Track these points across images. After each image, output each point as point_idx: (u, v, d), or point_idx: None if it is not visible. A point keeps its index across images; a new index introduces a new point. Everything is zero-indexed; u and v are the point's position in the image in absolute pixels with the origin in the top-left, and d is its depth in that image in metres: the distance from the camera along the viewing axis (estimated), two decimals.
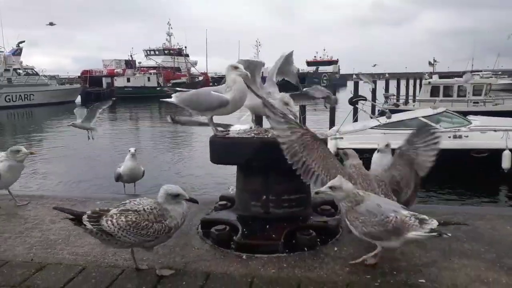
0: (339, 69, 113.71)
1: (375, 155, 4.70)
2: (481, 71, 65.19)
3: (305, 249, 3.61)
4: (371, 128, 15.67)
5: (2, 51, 52.65)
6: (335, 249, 3.61)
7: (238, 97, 3.78)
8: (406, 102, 28.50)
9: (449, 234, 2.84)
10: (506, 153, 12.92)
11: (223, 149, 3.98)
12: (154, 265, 3.31)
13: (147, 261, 3.46)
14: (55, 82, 56.13)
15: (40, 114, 42.83)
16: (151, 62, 70.13)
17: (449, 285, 2.98)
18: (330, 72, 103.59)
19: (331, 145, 15.23)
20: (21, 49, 54.44)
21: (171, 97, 4.10)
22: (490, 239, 3.75)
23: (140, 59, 73.77)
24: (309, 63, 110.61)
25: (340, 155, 4.05)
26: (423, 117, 15.51)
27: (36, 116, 42.04)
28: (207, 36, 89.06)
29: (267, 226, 3.80)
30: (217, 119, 4.12)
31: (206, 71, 78.50)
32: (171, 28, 79.29)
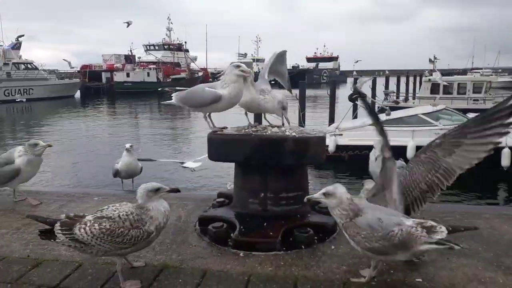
0: (339, 66, 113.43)
1: (374, 161, 4.72)
2: (481, 68, 65.17)
3: (303, 247, 3.60)
4: (371, 125, 15.62)
5: (1, 45, 52.43)
6: (332, 247, 3.61)
7: (234, 94, 3.77)
8: (406, 99, 28.47)
9: (461, 246, 2.65)
10: (505, 151, 12.94)
11: (221, 147, 3.97)
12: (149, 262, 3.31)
13: (144, 258, 3.46)
14: (54, 76, 55.95)
15: (39, 108, 42.74)
16: (150, 57, 69.88)
17: (447, 285, 2.98)
18: (330, 69, 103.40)
19: (331, 142, 15.24)
20: (20, 43, 54.18)
21: (171, 98, 4.12)
22: (488, 239, 3.74)
23: (140, 54, 73.56)
24: (309, 60, 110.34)
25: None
26: (422, 114, 15.53)
27: (35, 110, 41.94)
28: (207, 32, 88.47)
29: (265, 224, 3.79)
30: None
31: (206, 67, 78.39)
32: (171, 23, 78.98)
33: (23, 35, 55.32)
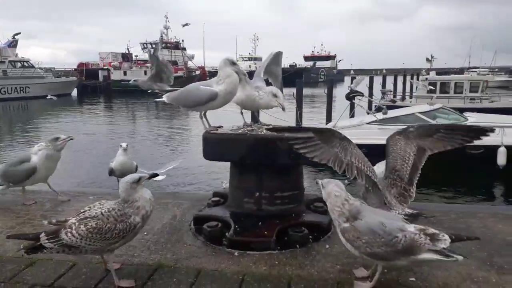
0: (336, 65, 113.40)
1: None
2: (478, 67, 65.30)
3: (297, 246, 3.61)
4: (367, 123, 15.68)
5: None
6: (327, 246, 3.62)
7: (229, 90, 3.77)
8: (403, 98, 28.53)
9: (466, 257, 2.63)
10: (501, 149, 12.96)
11: (216, 146, 3.97)
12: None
13: (139, 258, 3.46)
14: (51, 74, 55.70)
15: (35, 106, 42.57)
16: (148, 56, 69.73)
17: (440, 284, 2.99)
18: (328, 68, 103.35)
19: None
20: (16, 41, 53.91)
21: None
22: (482, 238, 3.73)
23: (137, 52, 73.39)
24: (306, 58, 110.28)
25: None
26: (419, 113, 15.54)
27: (32, 108, 41.78)
28: (204, 30, 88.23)
29: (260, 223, 3.80)
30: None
31: (203, 65, 78.19)
32: (168, 21, 78.88)
33: (19, 33, 55.03)
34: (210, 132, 3.97)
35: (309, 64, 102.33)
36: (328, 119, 20.34)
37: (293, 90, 19.05)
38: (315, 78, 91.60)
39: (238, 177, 4.12)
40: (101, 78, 60.92)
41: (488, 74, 41.04)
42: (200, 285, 3.03)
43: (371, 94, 26.84)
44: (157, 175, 3.21)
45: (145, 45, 75.21)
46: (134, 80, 5.93)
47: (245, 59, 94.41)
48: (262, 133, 3.85)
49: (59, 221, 2.97)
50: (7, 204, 4.86)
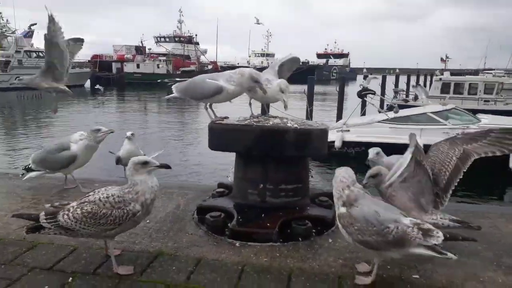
0: (349, 63, 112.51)
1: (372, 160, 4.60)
2: (493, 69, 64.19)
3: (300, 239, 3.56)
4: (378, 122, 15.51)
5: (14, 33, 52.90)
6: (330, 240, 3.56)
7: (236, 93, 3.79)
8: (416, 98, 28.15)
9: (456, 257, 2.56)
10: None
11: (222, 136, 3.93)
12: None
13: (140, 245, 3.44)
14: None
15: (49, 96, 42.95)
16: (161, 49, 69.99)
17: (444, 282, 2.91)
18: (341, 65, 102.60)
19: (338, 138, 15.12)
20: (32, 32, 54.60)
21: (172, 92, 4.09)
22: (490, 238, 3.66)
23: (151, 45, 73.77)
24: (319, 55, 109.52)
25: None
26: (431, 113, 15.33)
27: (46, 98, 42.21)
28: (218, 25, 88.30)
29: (263, 215, 3.76)
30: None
31: (215, 60, 78.28)
32: (182, 15, 79.13)
33: (35, 24, 55.75)
34: (216, 122, 3.94)
35: (322, 61, 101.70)
36: (339, 116, 20.16)
37: (305, 87, 18.89)
38: (327, 75, 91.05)
39: (243, 168, 4.08)
40: (114, 70, 61.41)
41: (503, 76, 40.33)
42: (199, 274, 2.99)
43: (383, 93, 26.58)
44: (169, 167, 3.02)
45: (159, 38, 75.58)
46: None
47: (257, 55, 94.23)
48: (269, 124, 3.79)
49: (61, 204, 2.97)
50: (14, 188, 4.89)
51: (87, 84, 56.39)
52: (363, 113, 19.31)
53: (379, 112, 17.60)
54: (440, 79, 26.30)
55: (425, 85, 37.29)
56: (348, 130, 15.62)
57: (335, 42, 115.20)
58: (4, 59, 46.90)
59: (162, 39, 75.34)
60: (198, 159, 14.48)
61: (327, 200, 4.09)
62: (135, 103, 40.61)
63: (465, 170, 3.36)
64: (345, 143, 15.35)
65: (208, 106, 4.03)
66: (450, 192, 3.32)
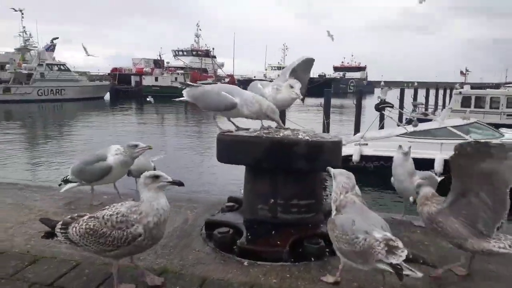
0: (366, 76, 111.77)
1: (399, 158, 4.38)
2: None
3: (312, 259, 3.36)
4: (397, 135, 15.16)
5: (36, 47, 54.44)
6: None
7: (249, 117, 3.69)
8: (435, 112, 27.65)
9: (414, 275, 2.39)
10: None
11: (230, 148, 3.78)
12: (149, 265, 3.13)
13: (144, 261, 3.30)
14: (85, 78, 57.49)
15: (70, 108, 43.86)
16: (179, 63, 70.95)
17: None
18: (358, 79, 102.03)
19: (355, 152, 14.83)
20: (54, 45, 56.08)
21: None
22: None
23: (169, 59, 74.83)
24: (336, 69, 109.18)
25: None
26: (452, 127, 14.93)
27: (66, 110, 43.08)
28: (234, 39, 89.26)
29: (273, 232, 3.57)
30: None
31: (232, 73, 78.85)
32: (200, 29, 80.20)
33: (57, 38, 57.34)
34: (225, 134, 3.80)
35: (339, 74, 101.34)
36: (357, 130, 19.87)
37: (321, 100, 18.72)
38: (344, 88, 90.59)
39: (252, 182, 3.92)
40: (133, 83, 62.44)
41: None
42: None
43: (402, 106, 26.17)
44: (182, 184, 2.75)
45: (176, 52, 76.67)
46: None
47: (274, 68, 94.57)
48: (279, 136, 3.64)
49: (79, 215, 2.84)
50: (23, 199, 4.84)
51: (107, 96, 57.39)
52: (381, 127, 18.97)
53: (398, 125, 17.26)
54: (460, 92, 25.72)
55: (444, 99, 36.64)
56: (366, 144, 15.33)
57: (352, 55, 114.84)
58: (27, 72, 48.16)
59: (180, 53, 76.38)
60: (211, 171, 14.35)
61: None
62: (153, 115, 41.03)
63: None
64: (363, 157, 15.05)
65: (215, 117, 3.92)
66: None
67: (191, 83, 4.11)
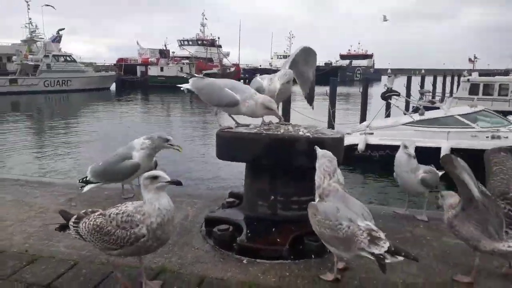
0: (373, 64, 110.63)
1: (402, 156, 4.27)
2: None
3: (312, 256, 3.31)
4: (403, 124, 14.98)
5: (42, 38, 54.44)
6: (345, 258, 3.29)
7: (248, 114, 3.62)
8: (442, 100, 27.29)
9: (395, 260, 2.43)
10: None
11: (230, 145, 3.72)
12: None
13: (143, 259, 3.27)
14: (91, 69, 57.52)
15: (76, 99, 44.00)
16: (184, 52, 70.59)
17: None
18: (365, 66, 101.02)
19: (361, 141, 14.70)
20: (60, 36, 56.03)
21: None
22: None
23: (174, 49, 74.40)
24: (342, 56, 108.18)
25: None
26: (459, 115, 14.72)
27: (72, 101, 43.22)
28: (240, 28, 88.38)
29: (273, 229, 3.53)
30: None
31: (238, 62, 78.42)
32: (205, 18, 79.56)
33: (63, 29, 57.21)
34: (224, 130, 3.74)
35: (345, 62, 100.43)
36: (363, 118, 19.69)
37: (327, 88, 18.54)
38: (351, 76, 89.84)
39: (252, 179, 3.87)
40: (139, 74, 62.36)
41: None
42: None
43: (408, 94, 25.87)
44: (180, 183, 2.71)
45: (182, 42, 76.29)
46: None
47: (279, 57, 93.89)
48: (279, 132, 3.56)
49: (93, 210, 2.82)
50: (23, 196, 4.83)
51: (113, 87, 57.43)
52: (387, 115, 18.78)
53: (404, 114, 17.06)
54: (468, 80, 25.31)
55: (452, 86, 36.18)
56: (372, 133, 15.18)
57: (359, 43, 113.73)
58: (33, 63, 48.24)
59: (186, 42, 75.94)
60: (215, 161, 14.20)
61: None
62: (159, 106, 41.03)
63: None
64: (368, 146, 14.92)
65: (217, 112, 3.86)
66: None
67: (197, 75, 4.04)
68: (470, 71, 30.52)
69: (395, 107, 17.92)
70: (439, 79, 36.47)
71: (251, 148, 3.57)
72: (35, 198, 4.77)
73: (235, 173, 11.46)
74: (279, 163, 3.56)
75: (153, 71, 62.04)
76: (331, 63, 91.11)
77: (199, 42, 75.30)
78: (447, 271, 3.09)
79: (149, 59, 66.87)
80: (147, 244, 2.59)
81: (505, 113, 16.65)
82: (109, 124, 25.62)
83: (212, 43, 75.12)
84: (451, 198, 3.03)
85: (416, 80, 31.72)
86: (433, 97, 28.44)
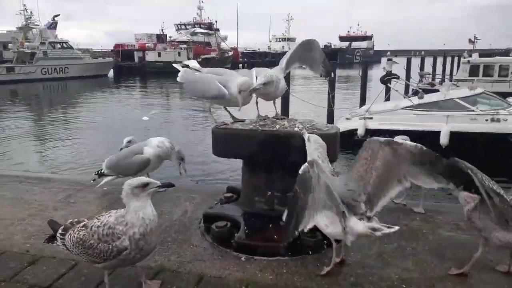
0: (373, 45, 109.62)
1: None
2: None
3: (310, 252, 3.35)
4: (403, 108, 14.94)
5: (38, 25, 53.85)
6: (342, 253, 3.33)
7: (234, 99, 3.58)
8: (442, 82, 27.13)
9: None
10: None
11: (226, 142, 3.73)
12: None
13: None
14: (88, 55, 57.07)
15: (74, 87, 43.77)
16: (182, 37, 69.96)
17: None
18: (364, 48, 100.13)
19: (360, 125, 14.68)
20: (56, 23, 55.45)
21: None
22: None
23: (171, 33, 73.75)
24: (342, 38, 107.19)
25: None
26: (458, 98, 14.65)
27: (70, 89, 43.00)
28: (238, 11, 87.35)
29: (270, 225, 3.56)
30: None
31: (236, 46, 77.72)
32: (202, 1, 78.56)
33: (58, 15, 56.64)
34: (220, 127, 3.73)
35: (345, 44, 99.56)
36: (362, 103, 19.61)
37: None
38: (350, 59, 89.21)
39: (249, 175, 3.88)
40: (136, 59, 61.87)
41: None
42: None
43: (408, 77, 25.72)
44: (172, 185, 2.71)
45: (179, 26, 75.51)
46: None
47: (278, 39, 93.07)
48: (274, 128, 3.56)
49: (79, 221, 2.78)
50: (22, 193, 4.86)
51: (110, 73, 57.06)
52: (387, 99, 18.72)
53: (404, 97, 16.99)
54: (468, 61, 25.13)
55: (452, 68, 35.92)
56: (371, 118, 15.15)
57: (358, 24, 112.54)
58: (30, 51, 47.85)
59: (183, 27, 75.21)
60: (213, 156, 14.11)
61: None
62: (157, 92, 40.82)
63: None
64: (368, 131, 14.89)
65: (210, 108, 3.85)
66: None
67: (186, 63, 4.00)
68: (470, 52, 30.21)
69: (394, 90, 17.86)
70: (439, 60, 36.20)
71: (247, 145, 3.58)
72: (34, 195, 4.80)
73: (233, 166, 11.43)
74: (275, 159, 3.57)
75: (150, 56, 61.48)
76: (330, 46, 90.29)
77: (197, 26, 74.49)
78: (442, 265, 3.13)
79: (146, 44, 66.21)
80: (130, 257, 2.55)
81: (505, 95, 16.58)
82: (107, 112, 25.50)
83: (209, 27, 74.29)
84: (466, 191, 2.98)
85: (416, 62, 31.52)
86: (433, 79, 28.26)
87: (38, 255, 3.39)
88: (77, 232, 2.63)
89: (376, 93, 17.56)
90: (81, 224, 2.69)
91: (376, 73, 32.58)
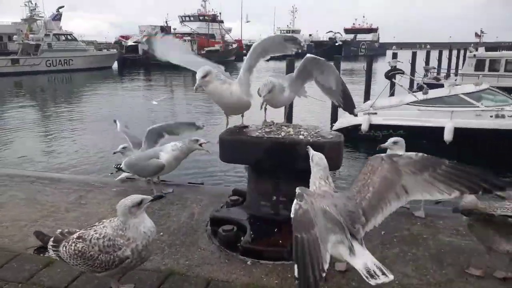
0: (378, 38, 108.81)
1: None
2: None
3: None
4: (407, 104, 14.91)
5: (42, 16, 53.87)
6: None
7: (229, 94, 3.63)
8: (447, 76, 26.99)
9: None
10: None
11: (233, 149, 3.83)
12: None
13: (151, 262, 3.44)
14: (92, 47, 57.10)
15: (79, 79, 43.88)
16: (186, 29, 69.78)
17: None
18: (369, 41, 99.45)
19: (364, 121, 14.70)
20: (60, 14, 55.35)
21: None
22: None
23: (176, 25, 73.55)
24: (347, 31, 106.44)
25: None
26: (463, 94, 14.62)
27: (75, 81, 43.12)
28: (242, 2, 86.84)
29: (276, 230, 3.67)
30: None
31: (240, 38, 77.46)
32: None
33: (63, 6, 56.42)
34: (238, 129, 3.90)
35: (350, 37, 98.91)
36: (366, 97, 19.60)
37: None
38: (355, 51, 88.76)
39: (255, 179, 3.99)
40: (140, 51, 61.80)
41: None
42: None
43: (413, 71, 25.59)
44: (162, 196, 2.94)
45: (183, 17, 75.25)
46: None
47: (283, 31, 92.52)
48: (279, 136, 3.66)
49: (69, 231, 2.90)
50: (34, 194, 4.99)
51: (115, 65, 57.09)
52: (391, 94, 18.68)
53: (409, 93, 16.97)
54: (474, 55, 24.97)
55: (457, 62, 35.66)
56: (375, 113, 15.16)
57: (364, 17, 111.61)
58: (34, 43, 47.94)
59: (187, 18, 74.97)
60: (214, 156, 14.02)
61: None
62: (161, 84, 40.83)
63: None
64: (372, 126, 14.90)
65: (227, 116, 3.97)
66: None
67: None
68: (476, 46, 29.96)
69: (399, 85, 17.82)
70: (445, 54, 35.95)
71: (253, 152, 3.68)
72: (46, 196, 4.94)
73: (239, 167, 11.40)
74: (280, 165, 3.67)
75: None
76: (335, 39, 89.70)
77: (201, 17, 74.25)
78: (441, 271, 3.24)
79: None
80: (131, 265, 2.71)
81: (510, 90, 16.52)
82: (113, 104, 25.55)
83: (213, 19, 74.03)
84: (468, 197, 3.00)
85: (421, 55, 31.29)
86: (438, 73, 28.10)
87: (52, 258, 3.51)
88: (73, 245, 2.72)
89: (380, 87, 17.52)
90: (76, 236, 2.78)
91: (381, 66, 32.41)
